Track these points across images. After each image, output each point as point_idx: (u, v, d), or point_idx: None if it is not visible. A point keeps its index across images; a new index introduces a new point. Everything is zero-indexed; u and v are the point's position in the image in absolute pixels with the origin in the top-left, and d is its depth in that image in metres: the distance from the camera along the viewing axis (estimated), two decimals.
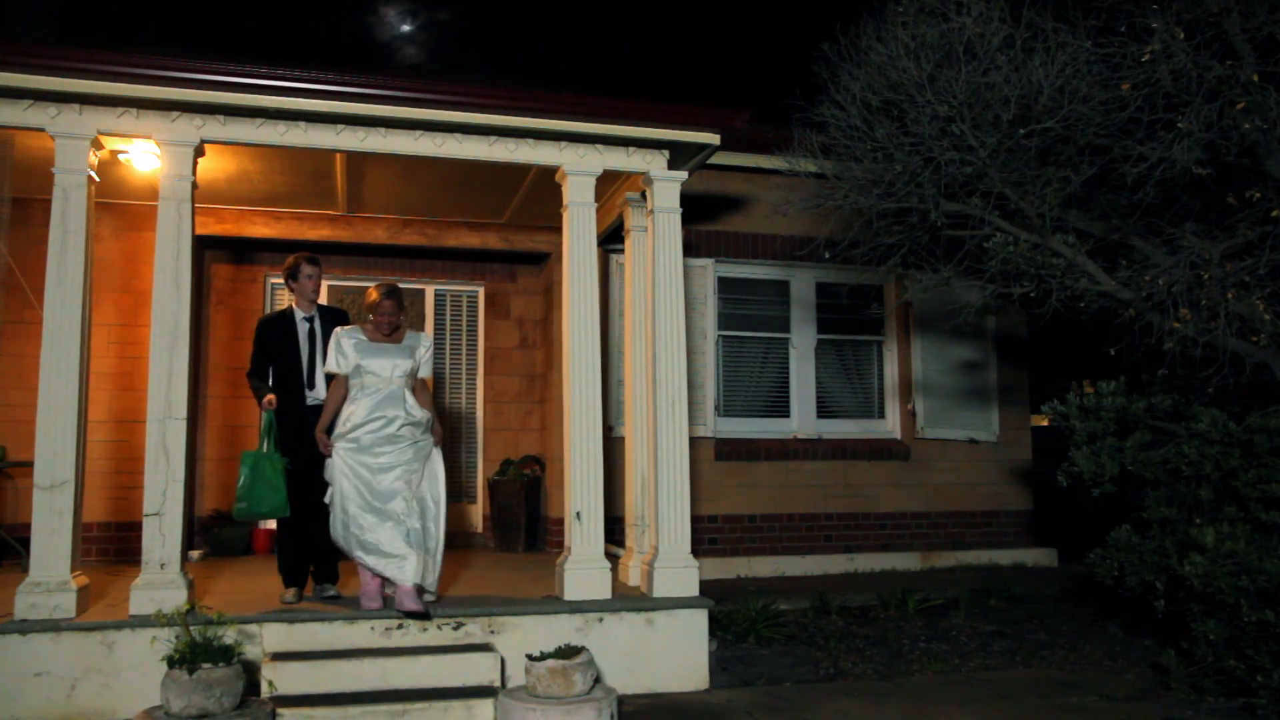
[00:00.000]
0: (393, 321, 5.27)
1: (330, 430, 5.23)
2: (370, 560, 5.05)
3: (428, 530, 5.20)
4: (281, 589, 5.50)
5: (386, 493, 5.10)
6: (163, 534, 4.94)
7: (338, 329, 5.29)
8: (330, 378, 5.30)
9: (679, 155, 5.89)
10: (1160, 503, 5.34)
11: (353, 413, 5.13)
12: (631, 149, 5.83)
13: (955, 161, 5.29)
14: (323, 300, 8.39)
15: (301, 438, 5.33)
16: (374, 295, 5.25)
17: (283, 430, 5.34)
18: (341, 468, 5.13)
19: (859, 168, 5.63)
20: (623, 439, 6.73)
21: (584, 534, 5.56)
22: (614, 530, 6.92)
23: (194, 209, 5.26)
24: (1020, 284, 5.38)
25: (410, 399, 5.23)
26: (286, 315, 5.66)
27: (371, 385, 5.17)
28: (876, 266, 6.06)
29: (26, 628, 4.68)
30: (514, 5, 22.24)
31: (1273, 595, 4.66)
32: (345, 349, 5.19)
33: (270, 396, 5.38)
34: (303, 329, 5.62)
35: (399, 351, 5.27)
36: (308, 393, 5.54)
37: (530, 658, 4.74)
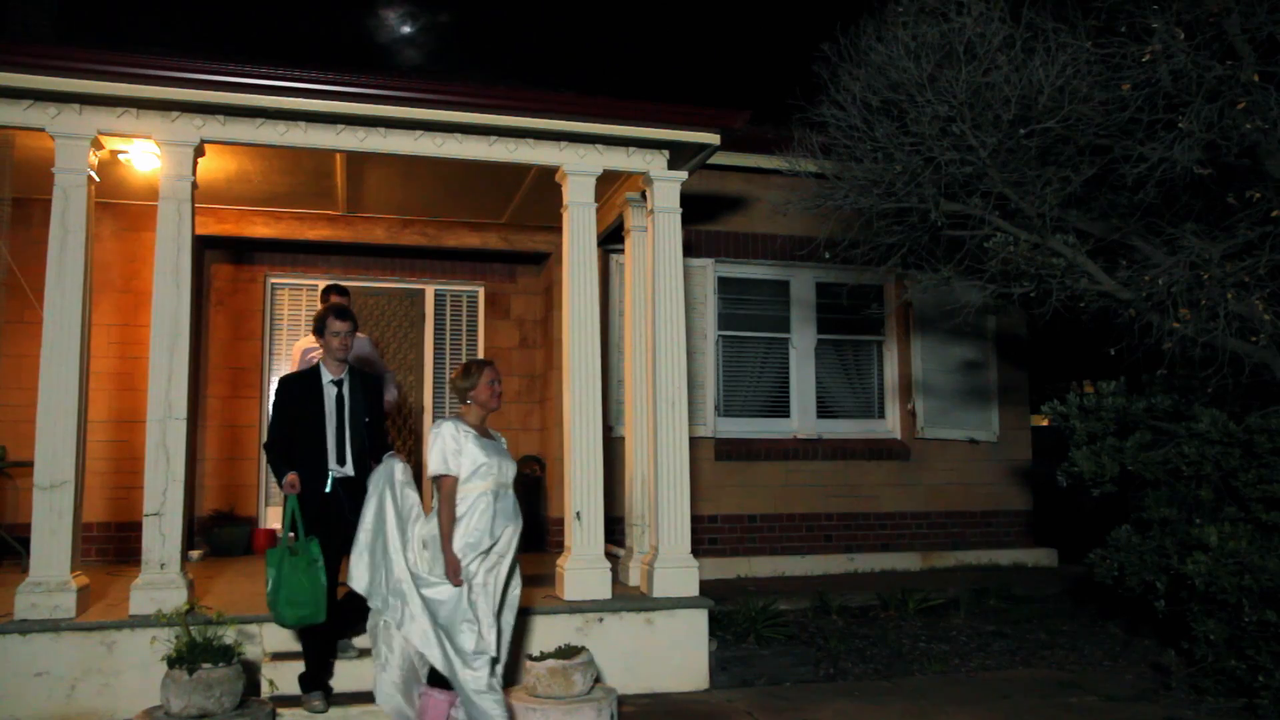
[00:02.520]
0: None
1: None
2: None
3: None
4: (301, 692, 4.69)
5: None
6: (163, 534, 4.94)
7: (441, 422, 4.36)
8: (436, 481, 4.32)
9: (679, 155, 5.89)
10: (1160, 503, 5.34)
11: (477, 525, 4.29)
12: (631, 149, 5.83)
13: (955, 161, 5.29)
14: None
15: (326, 522, 4.65)
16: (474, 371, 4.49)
17: (304, 513, 4.60)
18: (480, 586, 4.31)
19: (859, 168, 5.63)
20: (623, 439, 6.72)
21: (584, 534, 5.56)
22: (614, 530, 6.91)
23: (194, 209, 5.26)
24: (1020, 284, 5.38)
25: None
26: (311, 376, 4.88)
27: (493, 487, 4.35)
28: (876, 266, 6.06)
29: (26, 628, 4.68)
30: (514, 6, 22.25)
31: (1274, 595, 4.66)
32: (462, 444, 4.29)
33: (292, 476, 4.58)
34: (330, 394, 4.80)
35: (501, 448, 4.49)
36: (334, 468, 4.74)
37: (530, 658, 4.74)
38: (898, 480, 8.55)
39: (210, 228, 7.39)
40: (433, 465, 4.25)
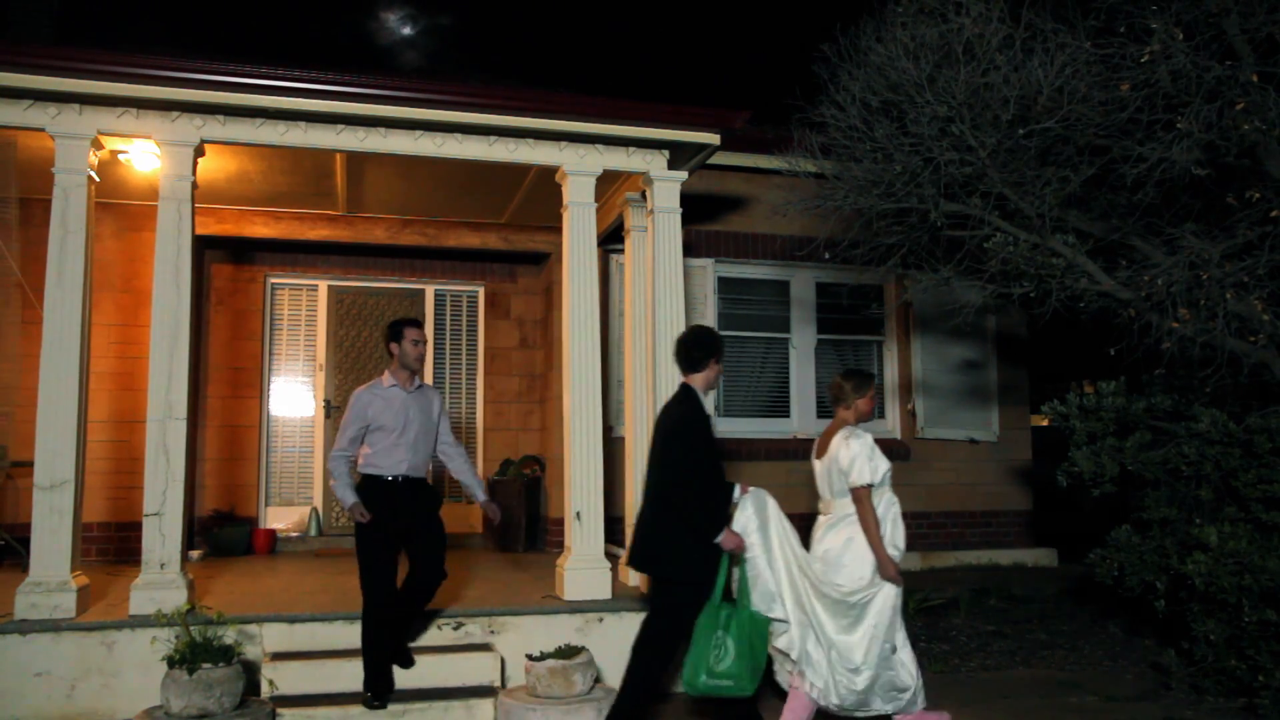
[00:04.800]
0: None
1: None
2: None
3: None
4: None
5: None
6: (163, 534, 4.95)
7: (855, 430, 4.48)
8: (856, 491, 4.36)
9: (679, 155, 5.89)
10: (1160, 503, 5.34)
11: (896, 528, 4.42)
12: (631, 149, 5.83)
13: (955, 161, 5.29)
14: (323, 303, 8.55)
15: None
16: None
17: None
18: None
19: (859, 168, 5.63)
20: (623, 439, 6.72)
21: (584, 534, 5.55)
22: (614, 530, 6.91)
23: (194, 209, 5.27)
24: (1020, 284, 5.38)
25: None
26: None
27: (892, 490, 4.50)
28: (876, 266, 6.06)
29: (26, 628, 4.68)
30: (514, 7, 22.25)
31: (1274, 595, 4.66)
32: (875, 451, 4.42)
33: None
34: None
35: None
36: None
37: (530, 658, 4.74)
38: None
39: (210, 228, 7.39)
40: (864, 475, 4.31)
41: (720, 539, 4.12)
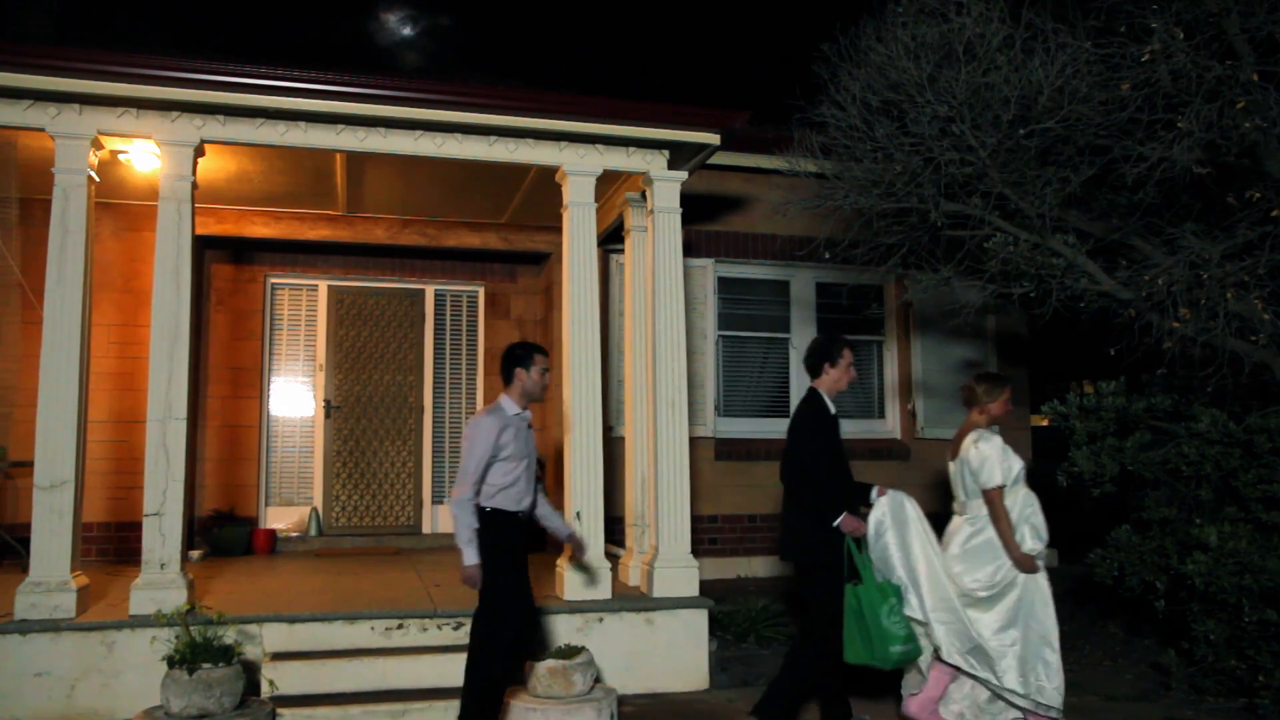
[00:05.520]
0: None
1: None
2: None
3: None
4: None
5: None
6: (163, 534, 4.94)
7: (985, 433, 4.58)
8: (988, 493, 4.50)
9: (679, 155, 5.89)
10: (1160, 503, 5.34)
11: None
12: (631, 149, 5.83)
13: (955, 161, 5.29)
14: (323, 303, 8.55)
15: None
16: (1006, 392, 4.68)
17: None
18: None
19: (859, 168, 5.63)
20: (623, 439, 6.72)
21: (584, 534, 5.55)
22: (614, 530, 6.91)
23: (194, 209, 5.27)
24: (1020, 284, 5.38)
25: None
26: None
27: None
28: (876, 266, 6.06)
29: (26, 628, 4.68)
30: (514, 7, 22.25)
31: (1274, 595, 4.66)
32: (1011, 454, 4.52)
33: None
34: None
35: None
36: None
37: (530, 657, 4.73)
38: (898, 480, 8.46)
39: (210, 228, 7.40)
40: (995, 477, 4.43)
41: (838, 522, 4.40)
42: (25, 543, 5.09)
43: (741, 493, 8.09)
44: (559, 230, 6.01)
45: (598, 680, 4.94)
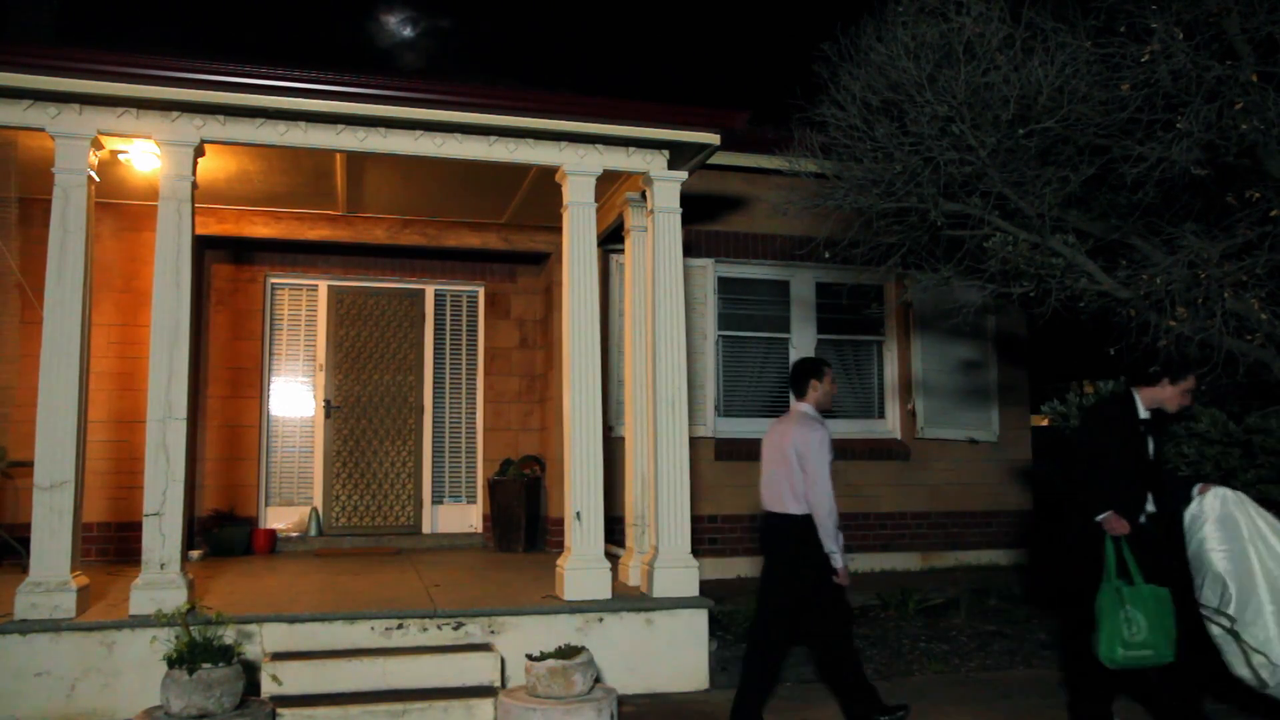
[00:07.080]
0: None
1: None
2: None
3: None
4: None
5: None
6: (163, 534, 4.95)
7: None
8: None
9: (679, 155, 5.89)
10: None
11: None
12: (631, 149, 5.83)
13: (955, 161, 5.29)
14: (323, 303, 8.55)
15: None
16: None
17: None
18: None
19: (859, 167, 5.63)
20: (623, 439, 6.73)
21: (584, 534, 5.56)
22: (614, 530, 6.92)
23: (194, 209, 5.27)
24: (1020, 284, 5.38)
25: None
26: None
27: None
28: (876, 266, 6.06)
29: (26, 628, 4.68)
30: (514, 7, 22.25)
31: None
32: None
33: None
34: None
35: None
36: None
37: (530, 658, 4.74)
38: (898, 480, 8.55)
39: (210, 228, 7.40)
40: None
41: (1102, 518, 4.34)
42: (25, 543, 5.09)
43: (741, 493, 8.09)
44: (559, 230, 6.01)
45: (598, 680, 4.94)
